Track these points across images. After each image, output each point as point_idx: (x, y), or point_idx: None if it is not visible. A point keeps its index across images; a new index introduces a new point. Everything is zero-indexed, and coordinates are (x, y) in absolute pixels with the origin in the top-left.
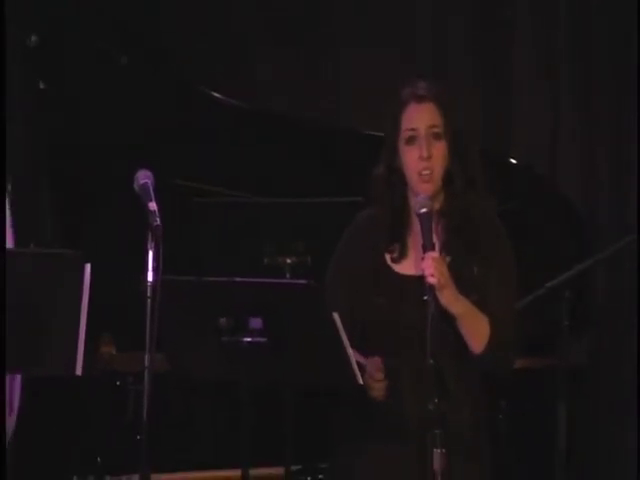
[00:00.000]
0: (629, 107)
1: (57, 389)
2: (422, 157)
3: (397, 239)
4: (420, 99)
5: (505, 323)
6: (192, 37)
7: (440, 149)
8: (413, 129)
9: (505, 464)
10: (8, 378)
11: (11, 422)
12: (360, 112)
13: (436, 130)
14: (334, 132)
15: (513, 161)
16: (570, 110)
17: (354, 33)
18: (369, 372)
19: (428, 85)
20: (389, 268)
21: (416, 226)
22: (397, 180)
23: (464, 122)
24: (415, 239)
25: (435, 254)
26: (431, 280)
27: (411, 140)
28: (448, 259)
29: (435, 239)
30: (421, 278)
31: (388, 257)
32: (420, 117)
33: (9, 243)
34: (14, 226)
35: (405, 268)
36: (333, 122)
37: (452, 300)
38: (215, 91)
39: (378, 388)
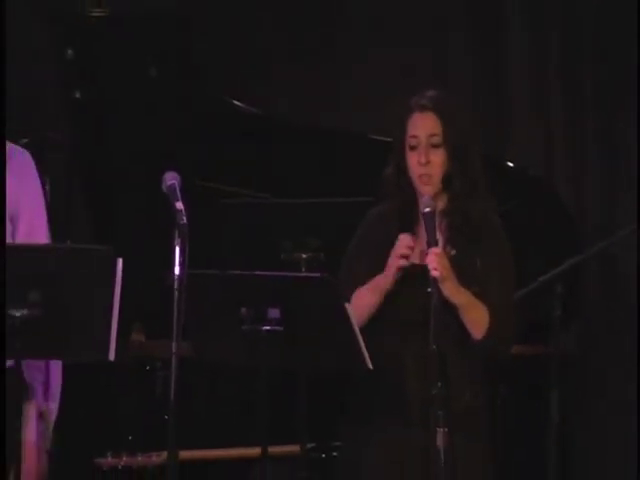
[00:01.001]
0: (618, 115)
1: (92, 374)
2: (421, 163)
3: (406, 231)
4: (423, 108)
5: (503, 312)
6: (214, 49)
7: (438, 155)
8: (415, 136)
9: (503, 443)
10: (45, 365)
11: (54, 409)
12: (370, 118)
13: (435, 138)
14: (345, 137)
15: (510, 164)
16: (562, 118)
17: (363, 44)
18: (397, 246)
19: (432, 96)
20: None
21: (422, 221)
22: (405, 180)
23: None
24: (421, 232)
25: (438, 250)
26: (434, 274)
27: (413, 146)
28: (453, 252)
29: (439, 236)
30: (426, 268)
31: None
32: (421, 125)
33: (44, 239)
34: (49, 223)
35: (412, 257)
36: (345, 128)
37: (453, 291)
38: (235, 99)
39: (397, 265)
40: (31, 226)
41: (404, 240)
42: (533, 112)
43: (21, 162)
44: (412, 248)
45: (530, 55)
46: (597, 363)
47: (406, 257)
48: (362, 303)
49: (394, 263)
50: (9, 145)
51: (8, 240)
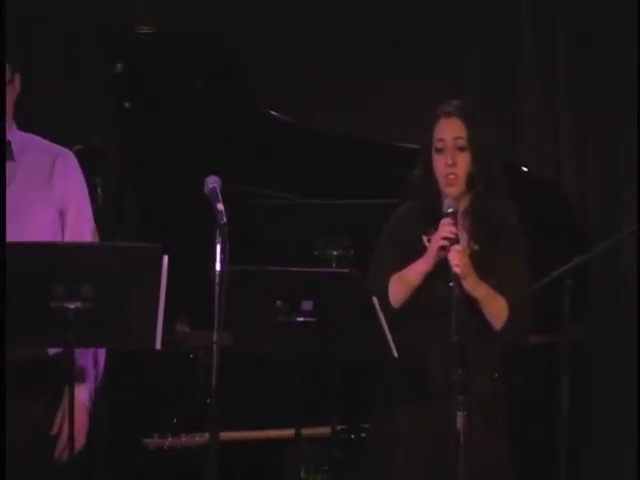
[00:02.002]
0: (618, 119)
1: (140, 362)
2: (447, 164)
3: (432, 226)
4: (449, 115)
5: (521, 305)
6: (251, 62)
7: (463, 158)
8: (442, 139)
9: (517, 427)
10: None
11: (90, 389)
12: (394, 127)
13: (460, 142)
14: (372, 145)
15: (524, 169)
16: (567, 125)
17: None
18: (440, 229)
19: (458, 103)
20: (425, 248)
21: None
22: (431, 181)
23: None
24: None
25: (459, 247)
26: (456, 270)
27: (440, 149)
28: (475, 247)
29: (461, 233)
30: (448, 264)
31: (425, 238)
32: (448, 130)
33: (89, 232)
34: (101, 222)
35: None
36: (372, 137)
37: (474, 285)
38: (271, 109)
39: (438, 245)
40: (77, 220)
41: (447, 225)
42: (542, 127)
43: (65, 163)
44: (455, 234)
45: (538, 71)
46: (603, 351)
47: (448, 239)
48: (400, 287)
49: (436, 244)
50: (55, 147)
51: (58, 233)
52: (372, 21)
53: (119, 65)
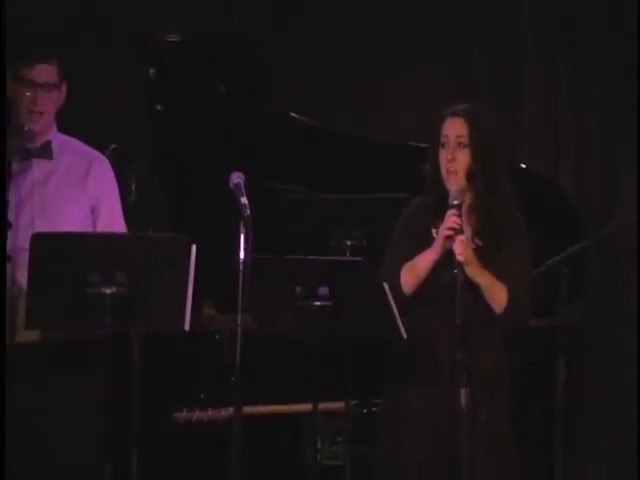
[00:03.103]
0: (616, 118)
1: (170, 342)
2: (448, 159)
3: (440, 218)
4: (454, 114)
5: (521, 292)
6: (272, 66)
7: (464, 154)
8: (446, 136)
9: (516, 403)
10: None
11: None
12: (411, 124)
13: (462, 139)
14: (384, 145)
15: (523, 166)
16: (567, 125)
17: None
18: (446, 221)
19: (464, 105)
20: (433, 239)
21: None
22: (438, 176)
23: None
24: None
25: (463, 237)
26: (459, 258)
27: (444, 145)
28: (480, 243)
29: (466, 227)
30: (453, 253)
31: (434, 231)
32: (451, 128)
33: (120, 225)
34: (134, 215)
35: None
36: (384, 138)
37: (476, 272)
38: (292, 111)
39: (445, 235)
40: (110, 216)
41: (452, 216)
42: (543, 124)
43: (100, 167)
44: (459, 224)
45: (543, 72)
46: (597, 333)
47: (453, 229)
48: (411, 276)
49: (442, 234)
50: (92, 152)
51: (89, 228)
52: (387, 26)
53: (151, 71)
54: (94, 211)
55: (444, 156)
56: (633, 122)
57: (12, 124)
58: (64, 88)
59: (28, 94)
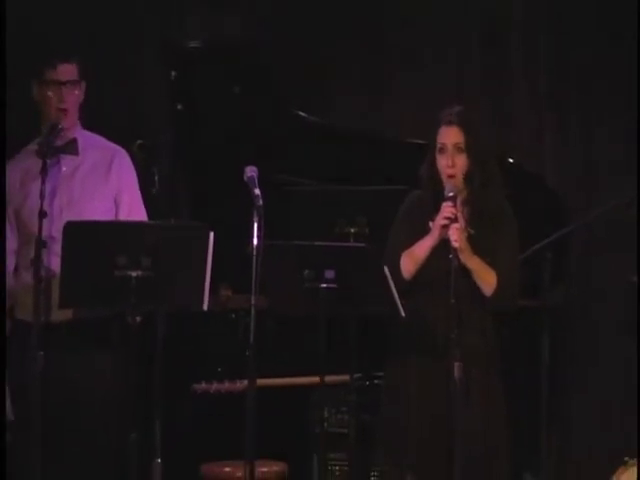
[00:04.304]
0: (598, 117)
1: (190, 320)
2: (448, 165)
3: (436, 210)
4: (449, 123)
5: (509, 275)
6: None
7: (461, 158)
8: (443, 144)
9: (505, 376)
10: None
11: None
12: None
13: (459, 146)
14: (383, 141)
15: (511, 160)
16: (549, 123)
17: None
18: (442, 211)
19: (457, 111)
20: (430, 228)
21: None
22: (435, 173)
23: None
24: None
25: (458, 225)
26: (454, 244)
27: (441, 151)
28: (472, 232)
29: (460, 217)
30: (448, 240)
31: (430, 223)
32: (447, 136)
33: (142, 213)
34: (157, 205)
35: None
36: (384, 135)
37: (468, 258)
38: (301, 110)
39: (441, 224)
40: (131, 206)
41: (448, 207)
42: (529, 120)
43: (121, 160)
44: (454, 214)
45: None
46: (578, 312)
47: (449, 218)
48: (410, 262)
49: (439, 223)
50: (113, 146)
51: (112, 217)
52: (387, 29)
53: (173, 73)
54: (116, 201)
55: (443, 162)
56: (613, 112)
57: (44, 125)
58: (83, 85)
59: (55, 93)
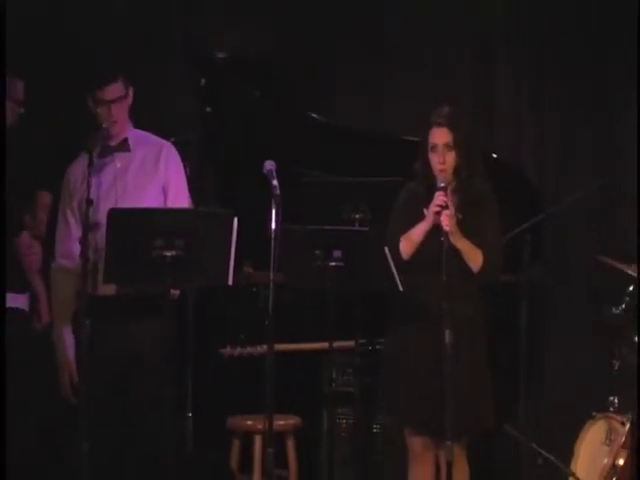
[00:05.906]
0: (573, 116)
1: (216, 294)
2: (439, 162)
3: (430, 198)
4: (439, 125)
5: (493, 254)
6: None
7: (450, 156)
8: (435, 144)
9: (488, 342)
10: None
11: None
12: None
13: (449, 145)
14: (383, 136)
15: (494, 155)
16: (529, 120)
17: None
18: (434, 200)
19: (446, 113)
20: (425, 216)
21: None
22: (428, 168)
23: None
24: None
25: (448, 212)
26: (446, 228)
27: (433, 149)
28: (460, 217)
29: (450, 204)
30: (440, 225)
31: (425, 210)
32: (438, 137)
33: (186, 201)
34: (190, 193)
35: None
36: (385, 132)
37: (458, 239)
38: (311, 111)
39: (434, 211)
40: (177, 195)
41: (440, 196)
42: (510, 118)
43: (168, 153)
44: (445, 202)
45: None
46: (555, 289)
47: (441, 206)
48: (408, 244)
49: (432, 209)
50: (160, 141)
51: (161, 204)
52: (387, 29)
53: (202, 80)
54: (164, 190)
55: (435, 159)
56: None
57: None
58: (131, 92)
59: (104, 110)
